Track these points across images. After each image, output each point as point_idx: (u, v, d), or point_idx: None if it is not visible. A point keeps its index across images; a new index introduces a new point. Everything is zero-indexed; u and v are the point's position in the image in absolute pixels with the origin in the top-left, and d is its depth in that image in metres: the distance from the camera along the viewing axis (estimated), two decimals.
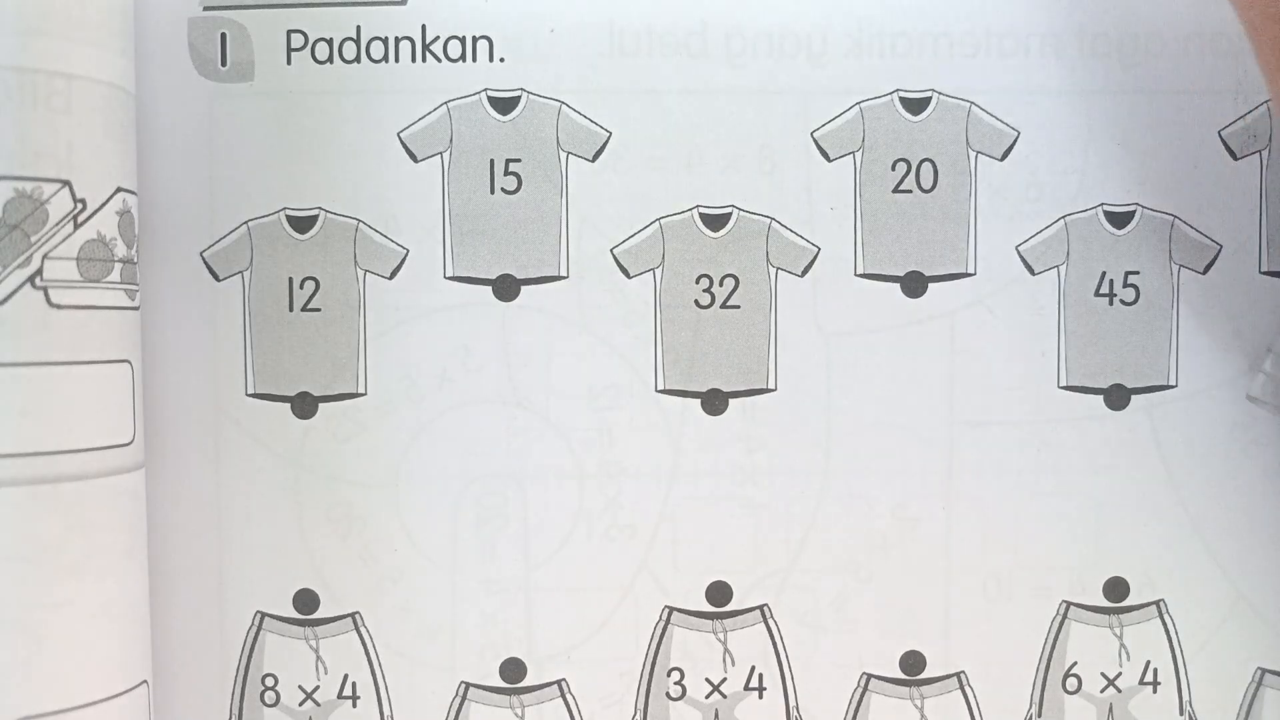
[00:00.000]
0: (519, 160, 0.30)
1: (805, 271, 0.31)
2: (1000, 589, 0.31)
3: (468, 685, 0.31)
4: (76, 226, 0.26)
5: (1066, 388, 0.31)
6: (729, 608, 0.31)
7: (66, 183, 0.26)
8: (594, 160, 0.31)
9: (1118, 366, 0.31)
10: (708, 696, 0.32)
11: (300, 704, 0.31)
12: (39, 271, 0.26)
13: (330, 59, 0.30)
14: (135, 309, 0.28)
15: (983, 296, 0.31)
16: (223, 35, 0.30)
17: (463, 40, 0.30)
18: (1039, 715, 0.32)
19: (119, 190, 0.27)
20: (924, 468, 0.31)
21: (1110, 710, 0.32)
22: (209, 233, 0.30)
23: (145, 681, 0.29)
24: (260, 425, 0.31)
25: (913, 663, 0.32)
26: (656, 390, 0.31)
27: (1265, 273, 0.31)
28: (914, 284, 0.31)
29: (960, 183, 0.31)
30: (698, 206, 0.31)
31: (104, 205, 0.27)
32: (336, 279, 0.31)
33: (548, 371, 0.31)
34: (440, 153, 0.30)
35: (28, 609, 0.26)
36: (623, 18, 0.30)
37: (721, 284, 0.31)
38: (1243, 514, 0.31)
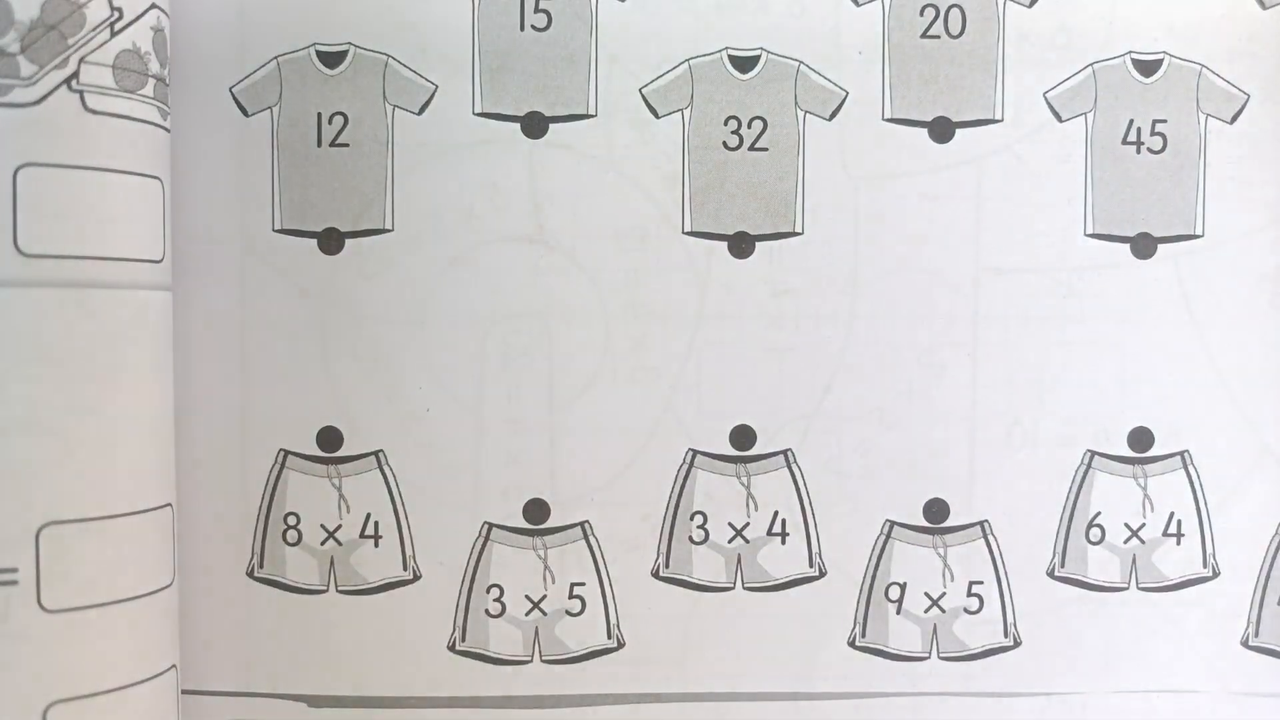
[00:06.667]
0: None
1: (833, 115, 0.31)
2: (1025, 437, 0.31)
3: (490, 525, 0.31)
4: (113, 34, 0.27)
5: (1093, 235, 0.31)
6: (753, 452, 0.31)
7: None
8: None
9: (1144, 215, 0.31)
10: (730, 541, 0.31)
11: (322, 543, 0.31)
12: (75, 74, 0.26)
13: None
14: (167, 130, 0.29)
15: (1010, 143, 0.31)
16: None
17: None
18: (1062, 565, 0.32)
19: (154, 6, 0.28)
20: (950, 314, 0.31)
21: (1134, 561, 0.32)
22: (238, 68, 0.31)
23: (170, 504, 0.29)
24: (287, 260, 0.31)
25: (936, 510, 0.31)
26: (683, 232, 0.31)
27: None
28: (941, 129, 0.31)
29: (988, 28, 0.31)
30: (727, 48, 0.31)
31: (140, 17, 0.27)
32: (365, 114, 0.31)
33: (575, 210, 0.31)
34: None
35: (56, 412, 0.26)
36: None
37: (750, 126, 0.31)
38: (1269, 366, 0.31)
